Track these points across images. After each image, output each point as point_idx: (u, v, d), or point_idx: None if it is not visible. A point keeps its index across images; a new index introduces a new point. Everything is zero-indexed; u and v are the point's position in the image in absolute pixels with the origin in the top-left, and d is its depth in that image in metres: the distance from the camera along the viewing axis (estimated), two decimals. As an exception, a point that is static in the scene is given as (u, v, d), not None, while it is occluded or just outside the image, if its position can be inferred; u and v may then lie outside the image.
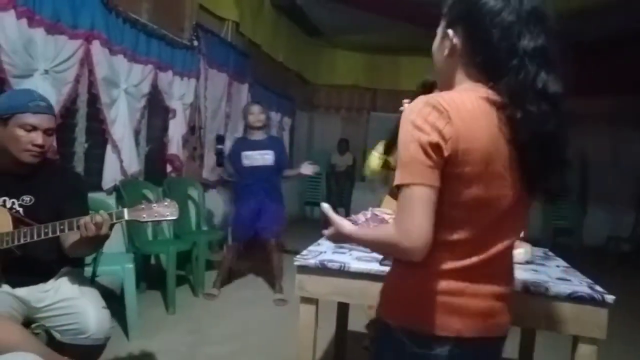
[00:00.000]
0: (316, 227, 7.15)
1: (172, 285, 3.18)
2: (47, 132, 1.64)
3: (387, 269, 1.47)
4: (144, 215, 1.63)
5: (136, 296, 2.84)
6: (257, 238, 3.67)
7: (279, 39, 6.28)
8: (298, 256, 1.54)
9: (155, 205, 1.66)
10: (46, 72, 2.73)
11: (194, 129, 4.48)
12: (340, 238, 1.08)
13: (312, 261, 1.50)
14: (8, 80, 2.52)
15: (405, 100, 1.93)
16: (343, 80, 8.41)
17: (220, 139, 4.80)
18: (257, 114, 3.59)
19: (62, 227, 1.57)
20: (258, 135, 3.62)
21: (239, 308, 3.44)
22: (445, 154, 0.84)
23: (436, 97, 0.88)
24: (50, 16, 2.72)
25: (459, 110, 0.85)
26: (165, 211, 1.65)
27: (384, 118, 7.82)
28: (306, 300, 1.50)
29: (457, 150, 0.84)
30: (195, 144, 4.56)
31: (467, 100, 0.87)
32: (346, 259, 1.56)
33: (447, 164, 0.85)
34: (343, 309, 2.38)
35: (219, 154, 4.66)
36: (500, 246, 0.93)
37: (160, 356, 2.48)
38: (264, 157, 3.59)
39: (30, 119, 1.60)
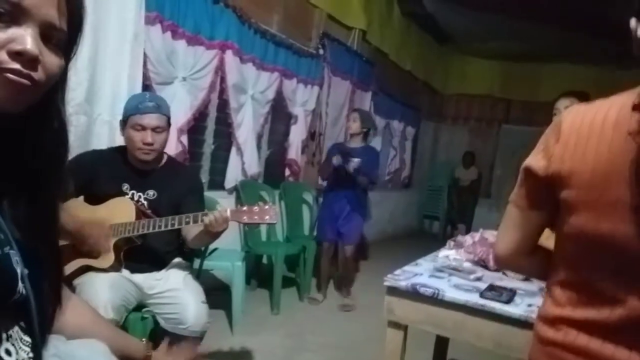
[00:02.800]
0: (434, 241, 6.90)
1: (278, 287, 3.28)
2: (155, 130, 1.78)
3: (488, 302, 1.31)
4: (245, 218, 1.69)
5: (245, 292, 2.99)
6: (337, 241, 3.72)
7: (406, 47, 6.16)
8: (389, 275, 1.45)
9: (256, 208, 1.71)
10: (184, 79, 3.02)
11: (314, 135, 4.60)
12: None
13: (403, 283, 1.41)
14: (152, 87, 2.83)
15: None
16: (474, 89, 7.94)
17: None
18: (351, 122, 3.62)
19: (186, 219, 1.70)
20: (355, 143, 3.61)
21: (339, 317, 3.43)
22: (548, 172, 0.76)
23: (571, 108, 0.80)
24: (192, 29, 2.99)
25: (579, 123, 0.73)
26: (265, 215, 1.69)
27: (517, 131, 7.22)
28: (394, 324, 1.41)
29: (561, 171, 0.73)
30: (314, 150, 4.67)
31: (604, 109, 0.72)
32: (443, 285, 1.43)
33: (553, 186, 0.75)
34: (442, 340, 2.20)
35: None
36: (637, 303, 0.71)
37: (258, 355, 2.56)
38: (349, 164, 3.54)
39: (140, 119, 1.76)
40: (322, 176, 3.82)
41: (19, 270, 0.59)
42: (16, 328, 0.62)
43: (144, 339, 0.98)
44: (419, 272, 1.55)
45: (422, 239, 7.08)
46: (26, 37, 0.54)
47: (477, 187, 7.51)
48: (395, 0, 5.61)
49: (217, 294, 2.99)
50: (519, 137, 6.74)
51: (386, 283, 1.42)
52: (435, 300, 1.36)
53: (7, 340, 0.59)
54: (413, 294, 1.38)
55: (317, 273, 3.81)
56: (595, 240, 0.72)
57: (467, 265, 1.65)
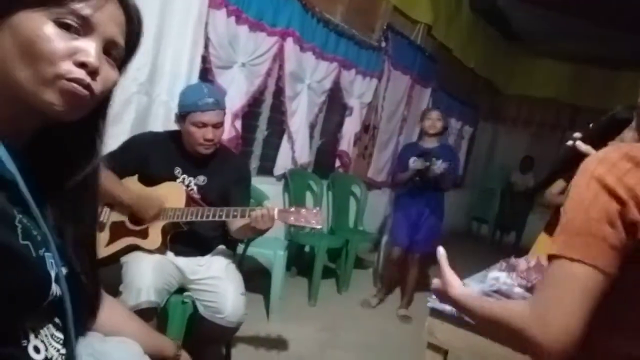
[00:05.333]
0: (481, 245, 6.63)
1: (318, 278, 3.28)
2: (216, 126, 1.81)
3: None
4: (292, 218, 1.69)
5: (284, 279, 3.00)
6: (409, 247, 3.53)
7: (472, 44, 5.91)
8: (434, 297, 1.39)
9: (304, 210, 1.71)
10: (243, 65, 3.02)
11: (367, 128, 4.52)
12: (446, 298, 0.85)
13: (448, 306, 1.34)
14: (212, 70, 2.86)
15: (576, 135, 1.44)
16: (540, 92, 7.49)
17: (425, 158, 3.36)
18: (434, 120, 3.36)
19: (234, 212, 1.72)
20: (431, 143, 3.41)
21: (376, 316, 3.39)
22: None
23: (632, 146, 0.65)
24: (255, 15, 2.98)
25: None
26: (312, 219, 1.69)
27: (583, 140, 6.80)
28: (433, 347, 1.35)
29: None
30: (367, 143, 4.60)
31: None
32: (490, 312, 1.35)
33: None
34: None
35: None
36: None
37: (292, 346, 2.57)
38: (433, 168, 3.39)
39: (200, 117, 1.78)
40: (399, 182, 3.51)
41: (53, 273, 0.60)
42: (49, 325, 0.63)
43: (177, 341, 0.99)
44: (465, 294, 1.48)
45: (469, 241, 6.89)
46: (90, 50, 0.58)
47: (533, 193, 7.16)
48: (465, -5, 5.38)
49: (257, 279, 3.04)
50: (584, 146, 6.34)
51: (430, 304, 1.37)
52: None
53: (36, 337, 0.60)
54: (457, 319, 1.32)
55: (381, 276, 3.70)
56: None
57: (519, 291, 1.54)
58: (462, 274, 1.64)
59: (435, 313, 1.35)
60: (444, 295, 0.86)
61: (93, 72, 0.58)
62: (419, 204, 3.40)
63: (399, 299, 3.62)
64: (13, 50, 0.55)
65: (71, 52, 0.57)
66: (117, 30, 0.62)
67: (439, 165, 3.28)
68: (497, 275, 1.63)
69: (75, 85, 0.57)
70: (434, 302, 1.36)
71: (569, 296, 0.62)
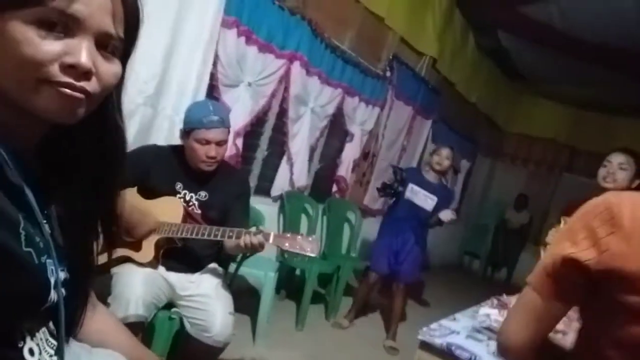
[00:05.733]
0: (472, 280, 6.60)
1: (306, 303, 3.24)
2: (219, 144, 1.82)
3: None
4: (287, 244, 1.69)
5: (273, 302, 2.97)
6: (391, 276, 3.52)
7: (475, 80, 6.01)
8: (424, 329, 1.39)
9: (300, 237, 1.71)
10: (249, 84, 3.06)
11: (367, 155, 4.55)
12: None
13: (438, 340, 1.33)
14: (218, 87, 2.89)
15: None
16: (539, 132, 7.60)
17: (396, 172, 3.64)
18: (442, 157, 3.37)
19: (230, 233, 1.72)
20: (432, 177, 3.44)
21: (362, 345, 3.34)
22: (599, 267, 0.67)
23: (617, 195, 0.70)
24: (265, 37, 3.03)
25: (637, 217, 0.65)
26: (307, 246, 1.69)
27: (578, 182, 6.85)
28: (422, 381, 1.34)
29: (619, 270, 0.64)
30: (365, 170, 4.62)
31: None
32: (481, 350, 1.34)
33: (602, 284, 0.67)
34: None
35: (388, 187, 3.58)
36: None
37: (277, 370, 2.53)
38: (426, 200, 3.42)
39: (205, 134, 1.79)
40: (384, 193, 3.55)
41: (52, 280, 0.60)
42: (44, 329, 0.63)
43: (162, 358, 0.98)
44: (455, 330, 1.47)
45: (460, 275, 6.86)
46: (80, 50, 0.53)
47: (526, 231, 7.19)
48: (471, 32, 5.49)
49: (245, 299, 3.00)
50: (579, 188, 6.40)
51: (420, 337, 1.36)
52: (470, 365, 1.28)
53: (32, 339, 0.60)
54: (447, 355, 1.31)
55: (355, 298, 3.69)
56: None
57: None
58: (453, 308, 1.64)
59: (425, 346, 1.34)
60: None
61: (86, 73, 0.54)
62: (404, 232, 3.42)
63: (383, 327, 3.59)
64: (1, 58, 0.52)
65: (58, 55, 0.52)
66: (108, 21, 0.56)
67: (431, 202, 3.33)
68: (489, 312, 1.63)
69: (66, 90, 0.53)
70: (424, 335, 1.35)
71: (518, 313, 0.80)
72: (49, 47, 0.52)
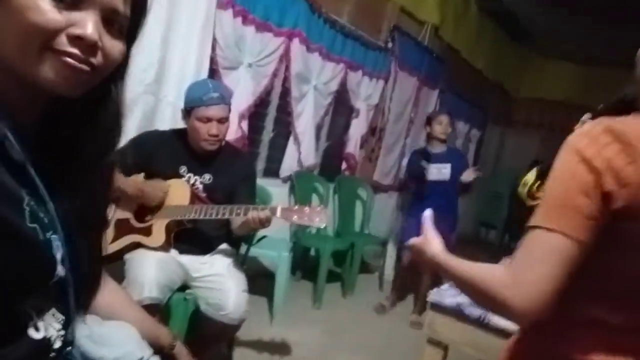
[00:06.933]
0: (490, 250, 6.61)
1: (322, 281, 3.26)
2: (220, 121, 1.81)
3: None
4: (295, 217, 1.68)
5: (289, 283, 2.99)
6: None
7: (481, 45, 5.87)
8: (435, 290, 1.38)
9: (307, 209, 1.70)
10: (250, 65, 3.03)
11: (374, 131, 4.51)
12: (423, 257, 0.90)
13: (448, 300, 1.33)
14: (218, 70, 2.88)
15: (586, 117, 1.46)
16: (550, 94, 7.40)
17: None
18: (445, 126, 3.36)
19: (237, 210, 1.73)
20: (439, 148, 3.40)
21: (382, 320, 3.36)
22: (617, 204, 0.63)
23: (623, 123, 0.67)
24: (262, 15, 3.00)
25: None
26: (315, 217, 1.67)
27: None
28: (434, 342, 1.34)
29: (637, 201, 0.62)
30: (374, 146, 4.58)
31: None
32: (492, 308, 1.33)
33: (617, 218, 0.64)
34: None
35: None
36: None
37: (295, 349, 2.55)
38: (441, 172, 3.38)
39: (205, 112, 1.78)
40: (410, 188, 3.61)
41: (58, 256, 0.60)
42: (53, 309, 0.63)
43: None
44: (467, 290, 1.46)
45: (477, 248, 6.81)
46: (87, 22, 0.54)
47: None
48: (473, -5, 5.35)
49: (261, 281, 3.03)
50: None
51: (430, 298, 1.35)
52: (481, 323, 1.27)
53: (38, 317, 0.61)
54: (458, 314, 1.31)
55: (394, 282, 3.68)
56: None
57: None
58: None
59: (436, 308, 1.34)
60: (421, 251, 0.92)
61: (92, 46, 0.54)
62: (433, 210, 3.38)
63: (408, 304, 3.59)
64: (6, 24, 0.52)
65: (65, 25, 0.53)
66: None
67: (446, 171, 3.29)
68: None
69: (70, 60, 0.54)
70: (434, 295, 1.35)
71: (543, 263, 0.66)
72: (57, 16, 0.53)
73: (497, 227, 7.66)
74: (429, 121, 3.49)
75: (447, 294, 1.37)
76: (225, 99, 1.85)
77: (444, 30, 4.97)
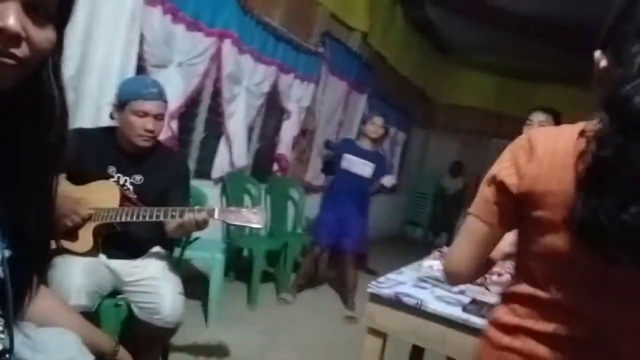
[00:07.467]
0: (414, 248, 6.91)
1: (256, 281, 3.25)
2: (157, 117, 1.74)
3: (470, 316, 1.30)
4: (232, 218, 1.66)
5: (222, 284, 2.94)
6: (337, 247, 3.61)
7: (406, 53, 6.16)
8: (373, 282, 1.44)
9: (244, 210, 1.68)
10: (180, 64, 2.96)
11: (305, 132, 4.56)
12: None
13: (386, 291, 1.39)
14: (147, 68, 2.77)
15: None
16: (468, 101, 7.99)
17: (329, 145, 4.34)
18: (377, 126, 3.53)
19: (172, 213, 1.66)
20: (367, 146, 3.56)
21: (315, 317, 3.41)
22: (517, 192, 0.77)
23: (537, 130, 0.83)
24: (192, 14, 2.94)
25: (547, 146, 0.76)
26: (253, 218, 1.66)
27: (506, 146, 7.29)
28: (374, 332, 1.39)
29: (535, 191, 0.75)
30: (305, 147, 4.64)
31: (564, 134, 0.76)
32: (426, 295, 1.42)
33: (522, 205, 0.77)
34: (418, 353, 2.14)
35: (327, 161, 4.14)
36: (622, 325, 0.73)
37: (232, 350, 2.52)
38: (363, 168, 3.52)
39: (142, 105, 1.70)
40: (326, 170, 3.76)
41: None
42: None
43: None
44: (402, 281, 1.54)
45: (403, 245, 7.11)
46: (7, 14, 0.49)
47: (462, 197, 7.57)
48: (399, 5, 5.60)
49: (194, 284, 2.95)
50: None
51: (369, 290, 1.41)
52: (417, 310, 1.35)
53: None
54: (396, 303, 1.37)
55: (298, 273, 3.73)
56: (567, 259, 0.74)
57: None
58: (399, 269, 1.71)
59: (375, 298, 1.39)
60: None
61: (15, 38, 0.50)
62: (345, 203, 3.52)
63: (335, 300, 3.67)
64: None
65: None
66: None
67: (369, 168, 3.45)
68: (432, 263, 1.72)
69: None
70: (373, 288, 1.40)
71: (465, 239, 0.87)
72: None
73: (422, 225, 8.06)
74: (364, 120, 3.67)
75: (384, 285, 1.43)
76: (163, 96, 1.79)
77: (372, 38, 5.16)
